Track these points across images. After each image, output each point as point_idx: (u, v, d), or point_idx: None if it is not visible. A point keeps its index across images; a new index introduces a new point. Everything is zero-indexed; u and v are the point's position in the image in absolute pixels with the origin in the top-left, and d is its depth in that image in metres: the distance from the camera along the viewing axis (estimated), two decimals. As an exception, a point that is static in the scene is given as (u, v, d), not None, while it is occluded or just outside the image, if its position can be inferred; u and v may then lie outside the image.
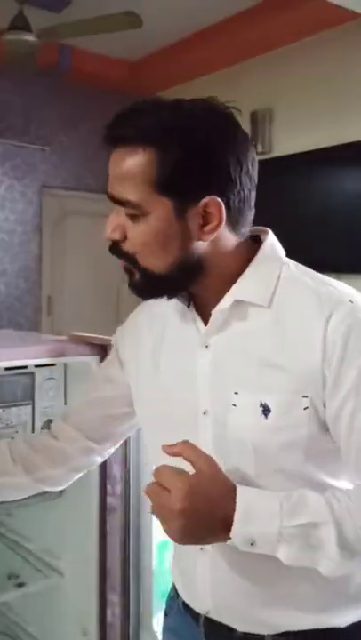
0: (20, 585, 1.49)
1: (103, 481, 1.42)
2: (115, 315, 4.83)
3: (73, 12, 3.17)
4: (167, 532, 0.76)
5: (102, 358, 1.41)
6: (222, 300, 0.84)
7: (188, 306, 0.90)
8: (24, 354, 1.39)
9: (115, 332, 1.08)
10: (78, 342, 1.43)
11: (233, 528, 0.74)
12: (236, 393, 0.82)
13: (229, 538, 0.75)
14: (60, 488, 1.10)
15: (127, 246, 0.83)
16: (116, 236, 0.83)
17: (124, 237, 0.83)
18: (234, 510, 0.74)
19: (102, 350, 1.41)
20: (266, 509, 0.76)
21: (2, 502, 1.47)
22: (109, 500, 1.42)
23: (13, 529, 1.71)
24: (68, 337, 1.47)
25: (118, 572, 1.38)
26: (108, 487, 1.41)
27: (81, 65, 4.05)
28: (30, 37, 2.84)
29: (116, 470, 1.40)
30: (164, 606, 1.43)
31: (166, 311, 0.93)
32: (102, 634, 1.41)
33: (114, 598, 1.39)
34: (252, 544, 0.75)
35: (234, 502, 0.75)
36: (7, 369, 1.37)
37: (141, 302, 1.00)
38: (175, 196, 0.79)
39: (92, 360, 1.40)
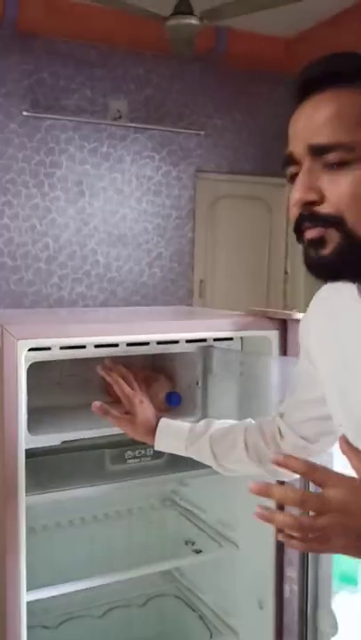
0: (198, 552, 1.53)
1: (281, 456, 1.41)
2: (265, 298, 4.81)
3: (232, -7, 3.15)
4: (330, 547, 0.68)
5: (282, 333, 1.41)
6: None
7: None
8: (207, 326, 1.41)
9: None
10: (258, 316, 1.42)
11: None
12: None
13: None
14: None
15: (327, 207, 0.74)
16: (313, 197, 0.75)
17: (322, 198, 0.75)
18: None
19: (282, 325, 1.40)
20: None
21: (175, 472, 1.54)
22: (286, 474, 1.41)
23: (187, 498, 1.77)
24: (247, 311, 1.48)
25: (296, 548, 1.37)
26: (286, 463, 1.41)
27: (235, 46, 4.04)
28: (193, 21, 2.87)
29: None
30: (341, 589, 1.40)
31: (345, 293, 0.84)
32: (279, 608, 1.41)
33: (292, 574, 1.39)
34: None
35: None
36: (188, 341, 1.41)
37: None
38: None
39: (273, 335, 1.39)
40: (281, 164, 0.81)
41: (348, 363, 0.87)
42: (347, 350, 0.87)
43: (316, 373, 0.96)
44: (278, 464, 0.71)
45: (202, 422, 1.20)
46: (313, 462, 0.69)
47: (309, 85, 0.77)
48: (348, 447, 0.71)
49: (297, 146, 0.77)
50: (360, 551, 0.68)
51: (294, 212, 0.78)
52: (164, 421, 1.21)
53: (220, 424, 1.19)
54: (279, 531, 0.69)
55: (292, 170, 0.79)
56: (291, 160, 0.79)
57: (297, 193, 0.76)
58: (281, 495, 0.67)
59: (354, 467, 0.70)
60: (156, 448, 1.21)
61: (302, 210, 0.76)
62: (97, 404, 1.22)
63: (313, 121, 0.75)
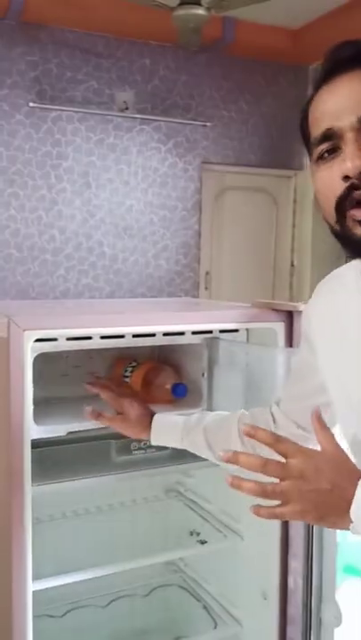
0: (202, 543, 1.54)
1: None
2: (270, 290, 4.80)
3: (240, -18, 3.12)
4: (289, 510, 0.74)
5: (288, 325, 1.40)
6: None
7: None
8: (213, 318, 1.41)
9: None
10: (264, 308, 1.42)
11: (352, 508, 0.72)
12: None
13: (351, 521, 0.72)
14: None
15: None
16: None
17: None
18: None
19: (288, 317, 1.39)
20: None
21: (180, 463, 1.54)
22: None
23: (192, 489, 1.77)
24: (253, 303, 1.47)
25: (301, 539, 1.37)
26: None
27: (242, 37, 4.01)
28: (200, 11, 2.85)
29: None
30: (345, 580, 1.41)
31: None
32: (283, 600, 1.42)
33: (296, 565, 1.39)
34: None
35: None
36: (194, 333, 1.41)
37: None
38: None
39: (278, 327, 1.39)
40: (313, 142, 0.81)
41: (347, 350, 0.87)
42: (347, 338, 0.88)
43: (315, 361, 0.96)
44: (247, 434, 0.76)
45: (196, 414, 1.23)
46: (278, 434, 0.77)
47: (340, 65, 0.78)
48: (319, 423, 0.77)
49: (338, 120, 0.77)
50: (315, 516, 0.74)
51: (340, 185, 0.78)
52: (158, 416, 1.24)
53: (213, 415, 1.22)
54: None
55: (326, 146, 0.79)
56: (328, 136, 0.79)
57: (352, 162, 0.76)
58: (246, 461, 0.74)
59: (318, 440, 0.78)
60: (152, 442, 1.24)
61: (358, 179, 0.76)
62: (88, 409, 1.26)
63: (358, 93, 0.76)
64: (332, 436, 0.77)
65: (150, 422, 1.23)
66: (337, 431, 0.88)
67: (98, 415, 1.26)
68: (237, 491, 0.75)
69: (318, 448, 0.86)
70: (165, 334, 1.36)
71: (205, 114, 4.32)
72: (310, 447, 0.90)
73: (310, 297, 1.03)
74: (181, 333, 1.39)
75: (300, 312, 1.35)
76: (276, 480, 0.75)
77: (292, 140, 4.61)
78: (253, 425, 0.78)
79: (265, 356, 1.38)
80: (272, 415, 1.11)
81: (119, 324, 1.28)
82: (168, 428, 1.23)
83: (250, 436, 0.76)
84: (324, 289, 0.98)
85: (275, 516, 0.75)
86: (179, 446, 1.23)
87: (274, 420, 1.09)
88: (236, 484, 0.74)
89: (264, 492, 0.73)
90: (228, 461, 0.76)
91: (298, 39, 4.24)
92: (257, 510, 0.75)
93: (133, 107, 4.11)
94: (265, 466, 0.73)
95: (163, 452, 1.48)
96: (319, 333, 0.95)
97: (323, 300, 0.97)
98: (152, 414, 1.25)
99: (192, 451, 1.22)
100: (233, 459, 0.75)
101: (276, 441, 0.76)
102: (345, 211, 0.79)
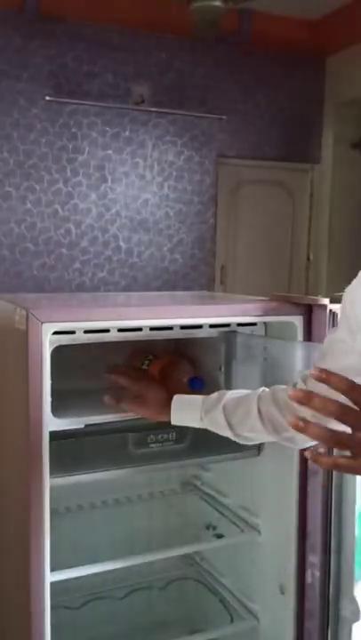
0: (219, 536, 1.53)
1: (304, 443, 1.40)
2: (286, 284, 4.77)
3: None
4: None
5: (307, 319, 1.39)
6: None
7: None
8: (231, 311, 1.40)
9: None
10: (283, 302, 1.41)
11: None
12: None
13: None
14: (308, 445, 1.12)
15: None
16: None
17: None
18: None
19: (308, 310, 1.38)
20: None
21: (198, 457, 1.54)
22: (310, 463, 1.40)
23: (209, 483, 1.77)
24: (271, 297, 1.46)
25: (319, 534, 1.37)
26: (310, 450, 1.40)
27: (259, 29, 3.98)
28: (218, 3, 2.84)
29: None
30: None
31: None
32: (301, 594, 1.41)
33: (314, 560, 1.38)
34: None
35: None
36: (212, 326, 1.40)
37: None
38: None
39: (298, 320, 1.38)
40: None
41: None
42: None
43: (352, 344, 0.96)
44: (321, 379, 0.68)
45: (215, 393, 1.23)
46: (353, 381, 0.68)
47: None
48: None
49: None
50: None
51: None
52: (177, 396, 1.25)
53: (233, 394, 1.22)
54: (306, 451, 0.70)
55: None
56: None
57: None
58: (321, 405, 0.66)
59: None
60: (172, 422, 1.24)
61: None
62: (106, 397, 1.28)
63: None
64: None
65: (169, 403, 1.24)
66: None
67: (116, 400, 1.28)
68: (301, 434, 0.67)
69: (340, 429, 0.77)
70: (183, 327, 1.35)
71: (221, 107, 4.29)
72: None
73: (326, 290, 1.02)
74: (199, 326, 1.38)
75: (321, 305, 1.35)
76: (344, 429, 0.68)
77: (308, 134, 4.57)
78: (326, 369, 0.69)
79: (284, 350, 1.37)
80: None
81: (137, 317, 1.28)
82: (187, 407, 1.23)
83: (321, 379, 0.68)
84: None
85: (338, 467, 0.69)
86: (198, 425, 1.23)
87: None
88: (302, 426, 0.66)
89: (337, 438, 0.66)
90: (299, 401, 0.67)
91: (316, 31, 4.20)
92: (316, 458, 0.68)
93: (149, 100, 4.09)
94: (344, 413, 0.66)
95: (179, 446, 1.48)
96: None
97: None
98: (171, 396, 1.26)
99: (212, 429, 1.22)
100: (306, 398, 0.67)
101: (352, 387, 0.67)
102: None
